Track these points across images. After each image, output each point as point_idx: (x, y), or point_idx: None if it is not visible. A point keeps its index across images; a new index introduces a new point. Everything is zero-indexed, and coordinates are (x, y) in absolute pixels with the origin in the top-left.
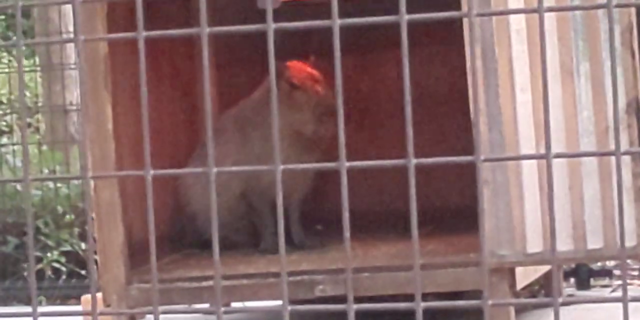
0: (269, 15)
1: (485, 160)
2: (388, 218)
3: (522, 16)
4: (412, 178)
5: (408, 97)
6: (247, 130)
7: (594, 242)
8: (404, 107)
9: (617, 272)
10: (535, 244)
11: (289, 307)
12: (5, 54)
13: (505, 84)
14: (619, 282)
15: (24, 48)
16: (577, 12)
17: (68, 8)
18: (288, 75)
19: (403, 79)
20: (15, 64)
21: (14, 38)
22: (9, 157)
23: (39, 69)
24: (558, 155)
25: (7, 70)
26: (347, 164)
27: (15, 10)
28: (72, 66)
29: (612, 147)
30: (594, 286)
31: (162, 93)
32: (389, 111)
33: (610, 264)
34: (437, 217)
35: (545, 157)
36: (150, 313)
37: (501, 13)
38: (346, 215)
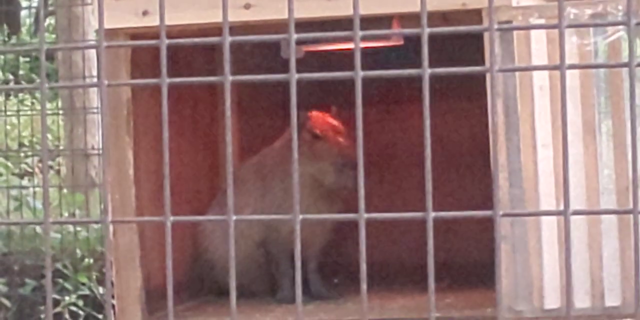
0: (292, 65)
1: (504, 215)
2: (406, 271)
3: (545, 72)
4: (430, 231)
5: (428, 151)
6: (267, 180)
7: (612, 300)
8: (424, 160)
9: None
10: (552, 301)
11: None
12: (28, 96)
13: (527, 140)
14: None
15: (47, 91)
16: (601, 70)
17: (92, 52)
18: (310, 125)
19: (423, 131)
20: (38, 107)
21: (38, 81)
22: (30, 199)
23: (61, 112)
24: (576, 212)
25: (29, 112)
26: (366, 215)
27: (39, 54)
28: (95, 110)
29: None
30: None
31: (184, 140)
32: (410, 163)
33: None
34: (454, 271)
35: (563, 213)
36: None
37: (522, 69)
38: (364, 267)
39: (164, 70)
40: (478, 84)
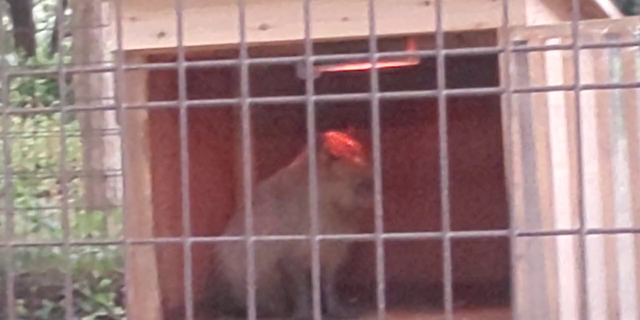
0: (310, 87)
1: (520, 234)
2: (422, 290)
3: (560, 92)
4: (447, 251)
5: (445, 171)
6: (284, 200)
7: (628, 318)
8: (441, 180)
9: None
10: (569, 319)
11: None
12: (44, 117)
13: (543, 159)
14: None
15: (66, 113)
16: (617, 89)
17: (108, 73)
18: (327, 146)
19: (440, 152)
20: (55, 128)
21: (54, 102)
22: (47, 221)
23: (78, 133)
24: (591, 231)
25: (46, 134)
26: (383, 235)
27: (57, 76)
28: (111, 131)
29: None
30: None
31: (200, 161)
32: (426, 184)
33: None
34: (470, 290)
35: (578, 232)
36: None
37: (537, 90)
38: (381, 287)
39: (183, 92)
40: (493, 103)
